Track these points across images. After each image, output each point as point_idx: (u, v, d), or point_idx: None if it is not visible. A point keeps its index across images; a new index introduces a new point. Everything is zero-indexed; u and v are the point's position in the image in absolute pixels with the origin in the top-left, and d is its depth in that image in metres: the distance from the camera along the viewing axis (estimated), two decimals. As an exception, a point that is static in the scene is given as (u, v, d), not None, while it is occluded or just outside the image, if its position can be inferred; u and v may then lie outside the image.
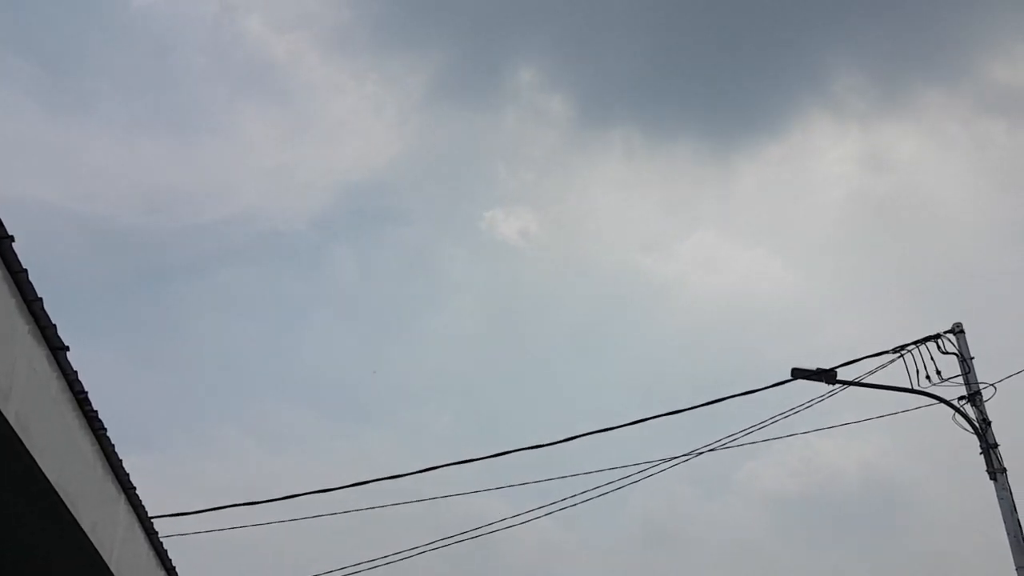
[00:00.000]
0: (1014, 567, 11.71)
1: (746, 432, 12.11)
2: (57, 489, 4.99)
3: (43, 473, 4.76)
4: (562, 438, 11.78)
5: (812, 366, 12.84)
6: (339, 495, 11.26)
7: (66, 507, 5.21)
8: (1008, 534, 11.81)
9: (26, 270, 4.37)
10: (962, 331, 12.76)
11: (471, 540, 12.59)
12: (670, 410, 12.62)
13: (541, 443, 11.83)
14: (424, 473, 11.45)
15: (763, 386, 12.61)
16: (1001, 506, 11.95)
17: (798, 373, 12.72)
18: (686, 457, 12.18)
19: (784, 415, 12.25)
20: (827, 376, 12.60)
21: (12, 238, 4.22)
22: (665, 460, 12.07)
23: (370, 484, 11.25)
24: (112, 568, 6.25)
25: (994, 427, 12.28)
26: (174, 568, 8.31)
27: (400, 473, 11.35)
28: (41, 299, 4.53)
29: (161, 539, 7.67)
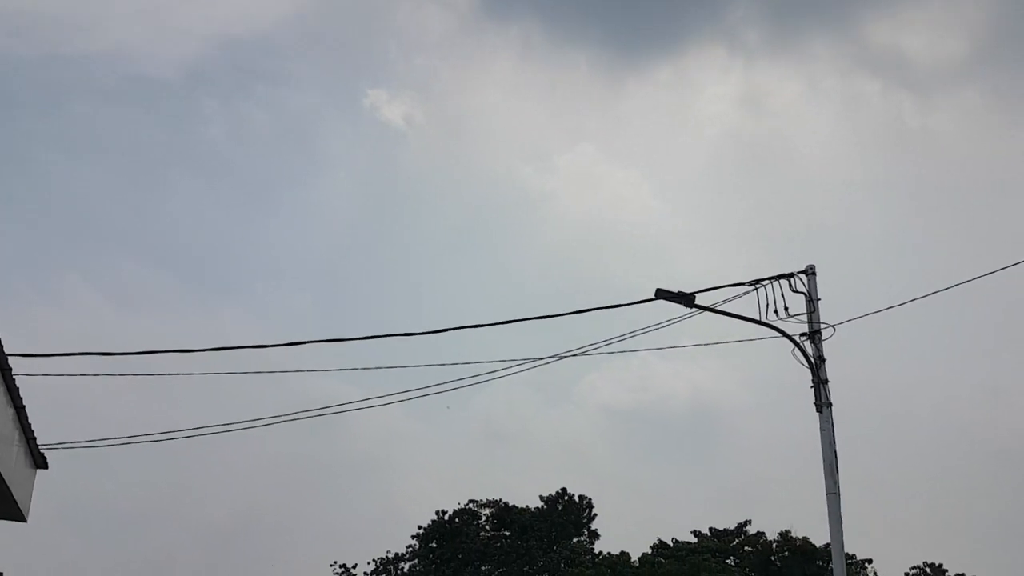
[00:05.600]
0: (825, 492, 12.89)
1: (593, 346, 12.68)
2: None
3: None
4: (419, 331, 12.04)
5: (671, 288, 13.49)
6: (196, 361, 11.18)
7: None
8: (824, 462, 12.94)
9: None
10: (814, 273, 13.63)
11: (319, 419, 12.79)
12: (535, 316, 13.07)
13: (396, 332, 12.07)
14: (282, 348, 11.47)
15: (627, 302, 13.22)
16: (822, 437, 13.05)
17: (661, 294, 13.35)
18: (536, 363, 12.69)
19: (633, 334, 12.89)
20: (687, 300, 13.27)
21: None
22: (515, 362, 12.52)
23: (228, 352, 11.21)
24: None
25: (827, 365, 13.31)
26: (24, 407, 8.15)
27: (261, 344, 11.36)
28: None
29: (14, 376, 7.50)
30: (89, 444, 13.72)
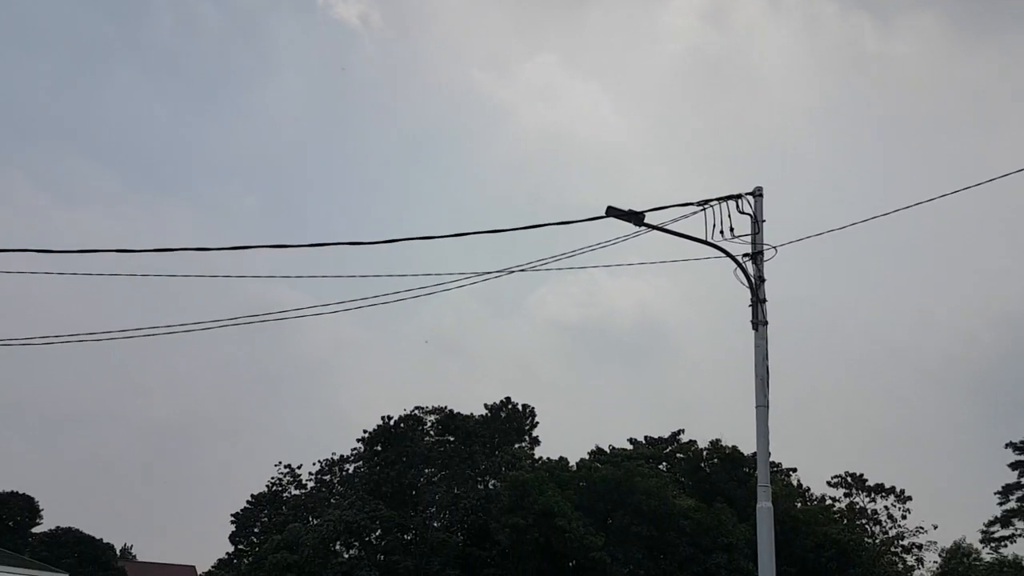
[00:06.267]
0: (755, 405, 13.61)
1: (542, 262, 13.05)
2: None
3: None
4: (369, 240, 12.26)
5: (622, 205, 13.82)
6: (140, 261, 11.24)
7: None
8: (756, 377, 13.60)
9: None
10: (761, 195, 14.03)
11: (266, 324, 13.03)
12: (488, 229, 13.35)
13: (346, 241, 12.28)
14: (228, 252, 11.57)
15: (577, 219, 13.54)
16: (756, 353, 13.69)
17: (612, 211, 13.66)
18: (485, 276, 13.02)
19: (582, 251, 13.26)
20: (637, 218, 13.60)
21: None
22: (465, 275, 12.84)
23: (172, 255, 11.28)
24: None
25: (767, 285, 13.88)
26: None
27: (205, 247, 11.45)
28: None
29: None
30: (27, 342, 13.78)
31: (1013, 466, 57.54)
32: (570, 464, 52.82)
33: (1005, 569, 51.53)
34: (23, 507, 74.17)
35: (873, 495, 62.96)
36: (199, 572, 72.33)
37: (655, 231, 13.90)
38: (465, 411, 57.12)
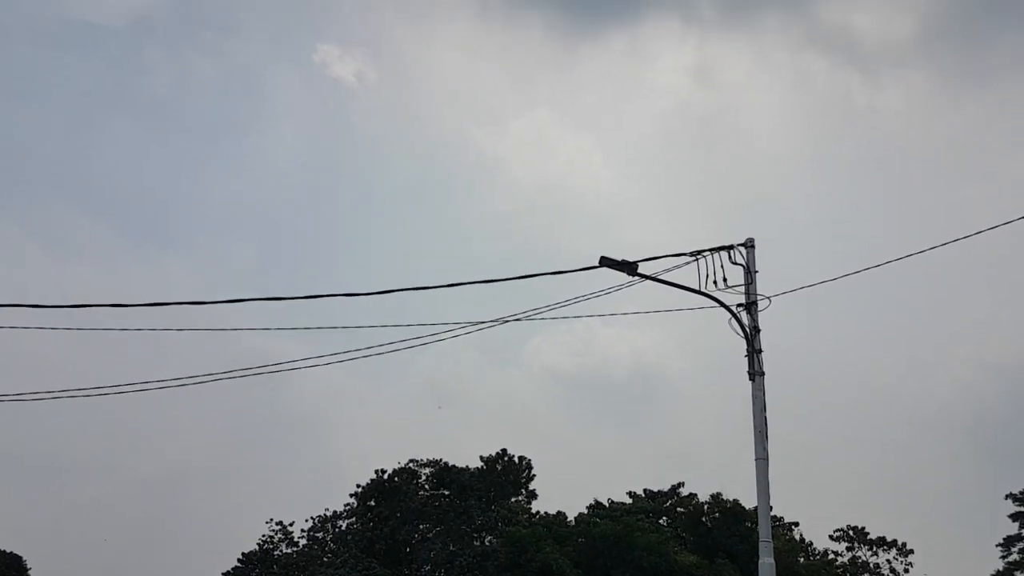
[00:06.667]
0: (754, 457, 13.37)
1: (537, 311, 12.91)
2: None
3: None
4: (365, 291, 12.12)
5: (616, 256, 13.76)
6: (135, 315, 11.11)
7: None
8: (754, 428, 13.40)
9: None
10: (752, 246, 14.01)
11: (263, 377, 12.83)
12: (484, 279, 13.24)
13: (341, 292, 12.13)
14: (225, 305, 11.45)
15: (572, 269, 13.44)
16: (754, 403, 13.51)
17: (605, 261, 13.60)
18: (479, 326, 12.86)
19: (577, 300, 13.14)
20: (630, 268, 13.55)
21: None
22: (460, 325, 12.68)
23: (167, 308, 11.15)
24: None
25: (761, 336, 13.75)
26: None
27: (200, 301, 11.32)
28: None
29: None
30: (17, 398, 13.49)
31: (1014, 517, 56.80)
32: (568, 519, 52.01)
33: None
34: (10, 565, 72.73)
35: (875, 548, 62.06)
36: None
37: (649, 281, 13.82)
38: (461, 463, 56.45)
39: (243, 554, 67.08)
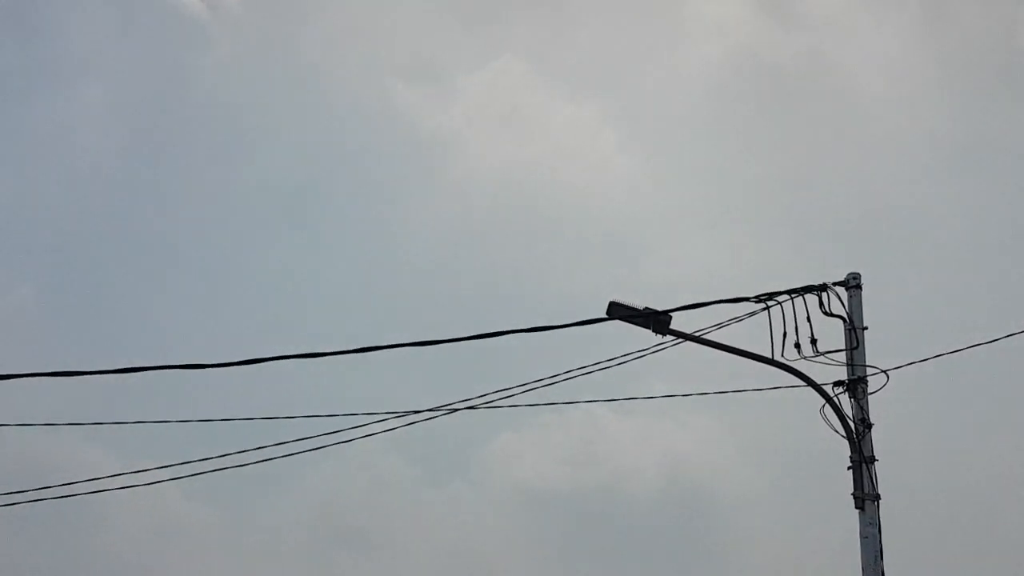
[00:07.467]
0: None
1: (508, 392, 7.80)
2: None
3: None
4: (213, 362, 6.93)
5: (635, 300, 8.66)
6: None
7: None
8: (864, 583, 8.20)
9: None
10: (858, 285, 8.83)
11: (52, 501, 7.85)
12: (416, 341, 8.02)
13: (175, 364, 6.95)
14: None
15: (563, 323, 8.23)
16: (863, 547, 8.23)
17: (617, 311, 8.50)
18: (408, 418, 7.75)
19: (571, 374, 8.03)
20: (657, 322, 8.44)
21: None
22: (375, 417, 7.57)
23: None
24: None
25: (873, 433, 8.50)
26: None
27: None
28: None
29: None
30: None
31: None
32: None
33: None
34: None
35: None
36: None
37: (688, 342, 8.65)
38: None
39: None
